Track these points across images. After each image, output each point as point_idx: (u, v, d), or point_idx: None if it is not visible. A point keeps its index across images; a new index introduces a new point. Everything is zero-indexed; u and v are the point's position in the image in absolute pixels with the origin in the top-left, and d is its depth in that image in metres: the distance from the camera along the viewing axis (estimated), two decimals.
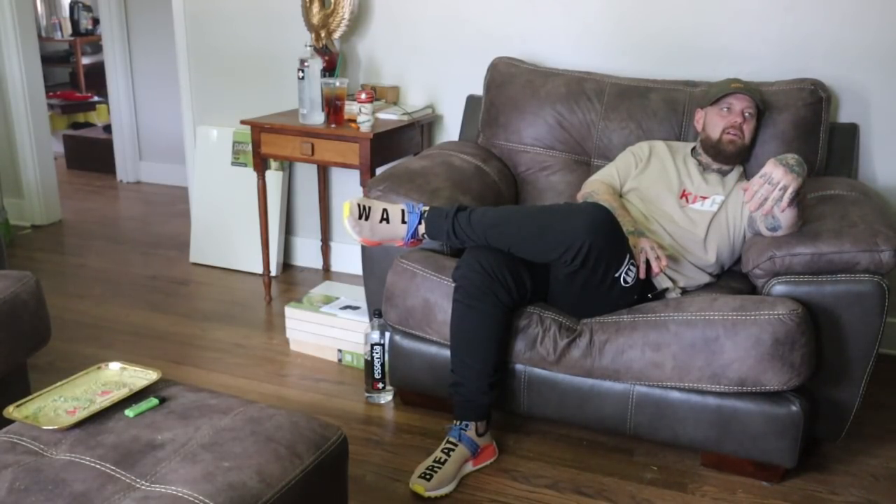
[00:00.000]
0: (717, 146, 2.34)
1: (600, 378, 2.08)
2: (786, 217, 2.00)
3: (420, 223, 2.10)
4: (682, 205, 2.35)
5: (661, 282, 2.20)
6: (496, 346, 2.08)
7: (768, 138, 2.41)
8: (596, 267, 1.99)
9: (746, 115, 2.33)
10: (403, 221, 2.09)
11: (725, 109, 2.33)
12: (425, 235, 2.12)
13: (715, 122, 2.35)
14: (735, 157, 2.36)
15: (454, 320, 2.11)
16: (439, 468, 2.04)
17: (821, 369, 2.00)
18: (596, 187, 2.41)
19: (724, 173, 2.40)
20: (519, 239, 2.03)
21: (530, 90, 2.69)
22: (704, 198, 2.35)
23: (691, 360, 1.97)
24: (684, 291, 2.23)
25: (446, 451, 2.08)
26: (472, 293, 2.05)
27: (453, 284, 2.12)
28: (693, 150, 2.45)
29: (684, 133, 2.55)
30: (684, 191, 2.37)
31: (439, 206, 2.19)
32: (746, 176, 2.40)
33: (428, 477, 2.01)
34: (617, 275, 2.04)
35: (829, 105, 2.42)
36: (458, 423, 2.13)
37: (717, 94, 2.35)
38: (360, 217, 2.06)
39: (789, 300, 1.95)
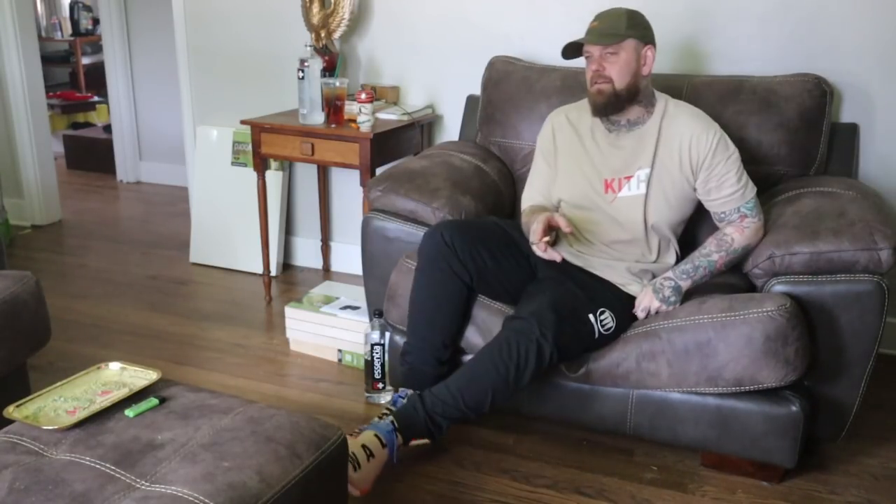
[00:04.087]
0: (589, 100, 2.15)
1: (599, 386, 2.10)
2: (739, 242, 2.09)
3: (396, 435, 1.99)
4: (610, 200, 2.16)
5: (633, 291, 2.15)
6: (447, 318, 2.13)
7: (773, 126, 2.38)
8: (568, 347, 1.99)
9: (606, 55, 2.07)
10: (383, 445, 1.96)
11: (589, 57, 2.12)
12: (412, 438, 2.02)
13: (586, 73, 2.15)
14: (613, 106, 2.11)
15: (413, 287, 2.17)
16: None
17: (821, 369, 2.00)
18: (524, 219, 2.25)
19: (634, 126, 2.16)
20: (490, 386, 1.96)
21: (526, 86, 2.69)
22: (628, 178, 2.14)
23: (686, 365, 1.97)
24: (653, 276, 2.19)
25: (384, 415, 2.06)
26: (429, 260, 2.11)
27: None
28: None
29: None
30: (605, 181, 2.17)
31: (397, 409, 2.05)
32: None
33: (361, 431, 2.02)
34: (595, 335, 2.03)
35: (832, 100, 2.41)
36: (400, 391, 2.18)
37: (576, 41, 2.13)
38: (353, 471, 1.88)
39: (778, 295, 1.95)
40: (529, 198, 2.32)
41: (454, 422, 2.03)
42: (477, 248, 2.12)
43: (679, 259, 2.21)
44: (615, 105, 2.10)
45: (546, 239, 2.02)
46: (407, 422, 2.01)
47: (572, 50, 2.15)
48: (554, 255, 2.04)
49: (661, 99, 2.18)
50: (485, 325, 2.16)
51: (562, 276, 2.13)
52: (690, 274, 2.09)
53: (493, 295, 2.19)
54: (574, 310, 2.02)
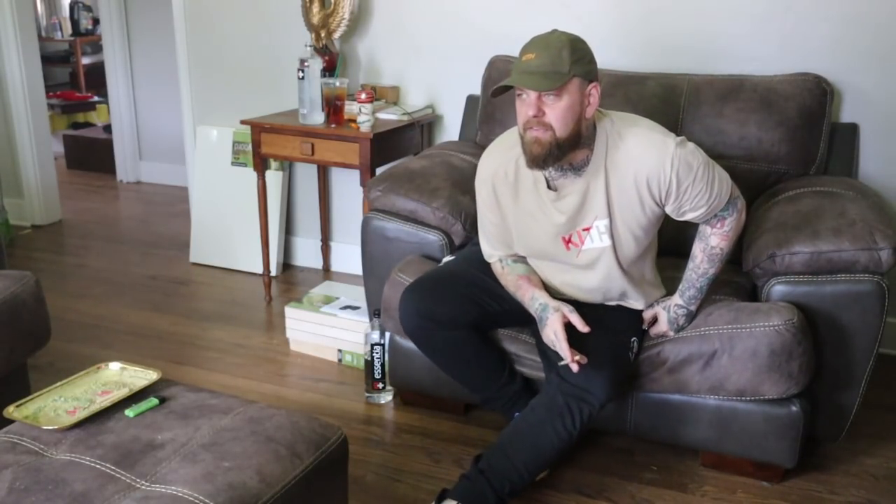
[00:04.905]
0: (524, 149, 1.79)
1: None
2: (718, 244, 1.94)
3: None
4: (576, 255, 1.92)
5: (634, 305, 2.04)
6: (487, 361, 2.08)
7: (773, 125, 2.37)
8: (620, 385, 1.93)
9: (547, 97, 1.72)
10: None
11: (522, 96, 1.77)
12: None
13: (518, 114, 1.80)
14: (553, 157, 1.75)
15: (431, 359, 2.11)
16: None
17: (821, 369, 1.99)
18: (506, 281, 2.03)
19: (578, 171, 1.83)
20: (557, 452, 1.89)
21: None
22: (587, 229, 1.88)
23: (689, 375, 1.97)
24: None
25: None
26: (422, 341, 2.05)
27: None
28: None
29: (683, 117, 2.47)
30: (562, 238, 1.91)
31: (461, 492, 1.89)
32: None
33: None
34: (630, 361, 1.99)
35: (832, 99, 2.41)
36: (509, 418, 2.12)
37: (506, 83, 1.76)
38: None
39: (785, 308, 1.93)
40: (491, 252, 2.05)
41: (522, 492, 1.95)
42: (461, 308, 2.00)
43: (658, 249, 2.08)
44: (555, 156, 1.76)
45: (577, 358, 1.80)
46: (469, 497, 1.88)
47: (504, 89, 1.80)
48: (582, 357, 1.82)
49: (602, 126, 1.84)
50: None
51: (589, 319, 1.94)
52: (698, 297, 1.98)
53: (505, 325, 2.12)
54: (615, 357, 1.90)
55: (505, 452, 1.90)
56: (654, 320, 2.03)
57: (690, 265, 1.98)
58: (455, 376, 2.15)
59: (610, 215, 1.85)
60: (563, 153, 1.77)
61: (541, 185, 1.89)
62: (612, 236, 1.88)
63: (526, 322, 2.04)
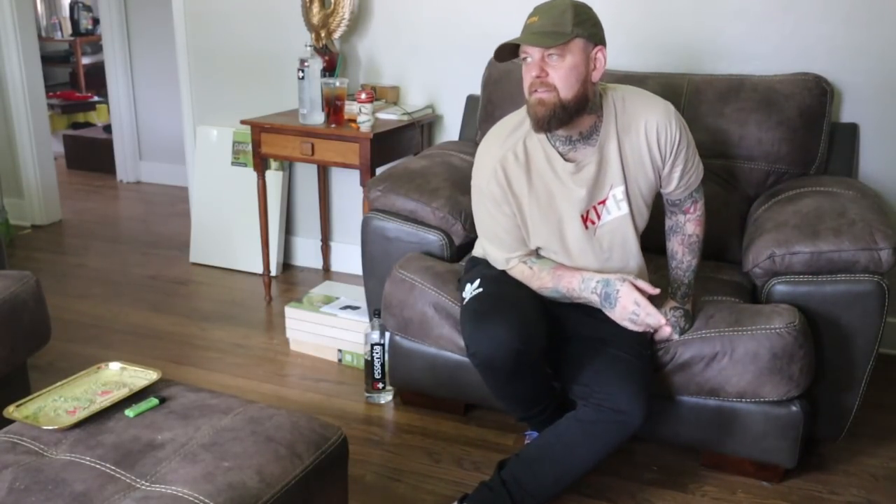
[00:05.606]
0: (529, 112, 1.80)
1: None
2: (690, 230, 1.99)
3: None
4: (592, 234, 1.89)
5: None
6: (540, 386, 1.96)
7: (773, 125, 2.37)
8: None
9: (550, 58, 1.73)
10: None
11: (527, 59, 1.77)
12: None
13: (523, 79, 1.80)
14: (558, 119, 1.75)
15: (486, 383, 1.93)
16: None
17: (821, 369, 1.99)
18: (540, 283, 1.94)
19: (589, 139, 1.84)
20: (590, 467, 1.85)
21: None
22: (603, 202, 1.87)
23: (689, 377, 1.97)
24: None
25: None
26: (500, 372, 1.84)
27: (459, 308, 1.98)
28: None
29: (683, 116, 2.46)
30: (581, 216, 1.88)
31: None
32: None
33: None
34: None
35: (832, 99, 2.41)
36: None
37: (512, 41, 1.76)
38: None
39: (786, 311, 1.93)
40: (509, 255, 1.94)
41: None
42: (544, 328, 1.86)
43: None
44: (560, 118, 1.75)
45: (665, 323, 1.84)
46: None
47: (509, 51, 1.79)
48: (664, 324, 1.84)
49: (608, 96, 1.86)
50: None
51: (596, 338, 1.91)
52: (689, 293, 2.01)
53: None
54: (643, 373, 1.86)
55: (531, 467, 1.85)
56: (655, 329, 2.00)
57: (673, 264, 2.02)
58: (508, 400, 2.00)
59: (625, 180, 1.86)
60: (570, 116, 1.76)
61: (556, 161, 1.85)
62: (629, 202, 1.88)
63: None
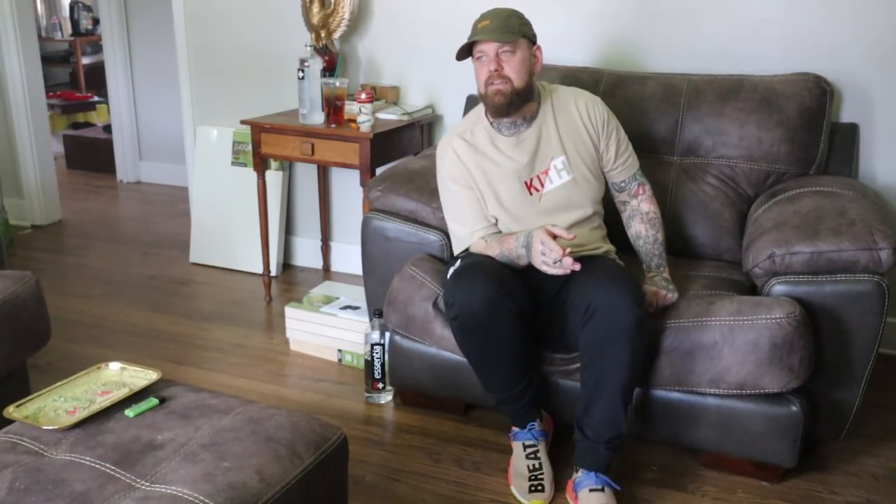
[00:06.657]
0: (487, 102, 2.07)
1: None
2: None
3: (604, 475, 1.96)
4: (537, 200, 2.09)
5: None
6: (518, 356, 2.01)
7: (773, 125, 2.38)
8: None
9: (503, 54, 2.01)
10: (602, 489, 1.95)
11: (482, 58, 2.05)
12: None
13: (477, 75, 2.08)
14: (514, 105, 2.04)
15: (464, 351, 2.04)
16: (541, 475, 2.03)
17: (821, 369, 1.99)
18: (498, 250, 2.06)
19: (531, 121, 2.11)
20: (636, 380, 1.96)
21: None
22: (545, 171, 2.10)
23: (689, 366, 1.97)
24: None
25: (532, 455, 2.06)
26: (476, 326, 1.94)
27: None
28: (487, 118, 2.15)
29: (683, 116, 2.49)
30: (525, 183, 2.10)
31: (583, 460, 1.99)
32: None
33: (540, 488, 2.00)
34: None
35: (832, 99, 2.41)
36: (523, 428, 2.10)
37: (469, 41, 2.05)
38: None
39: (787, 302, 1.94)
40: (472, 231, 2.12)
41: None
42: (522, 289, 1.99)
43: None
44: (516, 104, 2.04)
45: (569, 251, 1.85)
46: (600, 463, 1.96)
47: (466, 51, 2.09)
48: (576, 264, 1.85)
49: (545, 89, 2.17)
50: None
51: (571, 276, 1.96)
52: (663, 264, 2.15)
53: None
54: (626, 273, 2.01)
55: (600, 411, 1.92)
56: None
57: (640, 243, 2.19)
58: (487, 369, 2.05)
59: (565, 151, 2.11)
60: (523, 102, 2.07)
61: (498, 139, 2.13)
62: (571, 171, 2.10)
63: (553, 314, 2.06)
